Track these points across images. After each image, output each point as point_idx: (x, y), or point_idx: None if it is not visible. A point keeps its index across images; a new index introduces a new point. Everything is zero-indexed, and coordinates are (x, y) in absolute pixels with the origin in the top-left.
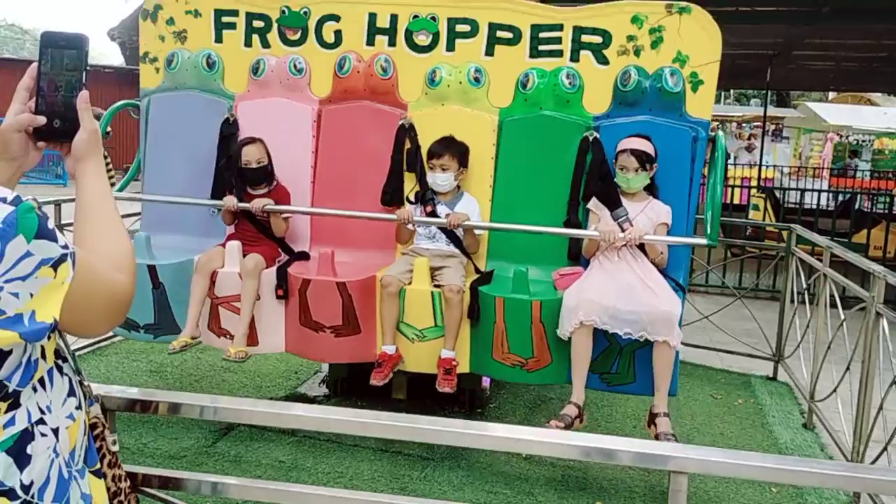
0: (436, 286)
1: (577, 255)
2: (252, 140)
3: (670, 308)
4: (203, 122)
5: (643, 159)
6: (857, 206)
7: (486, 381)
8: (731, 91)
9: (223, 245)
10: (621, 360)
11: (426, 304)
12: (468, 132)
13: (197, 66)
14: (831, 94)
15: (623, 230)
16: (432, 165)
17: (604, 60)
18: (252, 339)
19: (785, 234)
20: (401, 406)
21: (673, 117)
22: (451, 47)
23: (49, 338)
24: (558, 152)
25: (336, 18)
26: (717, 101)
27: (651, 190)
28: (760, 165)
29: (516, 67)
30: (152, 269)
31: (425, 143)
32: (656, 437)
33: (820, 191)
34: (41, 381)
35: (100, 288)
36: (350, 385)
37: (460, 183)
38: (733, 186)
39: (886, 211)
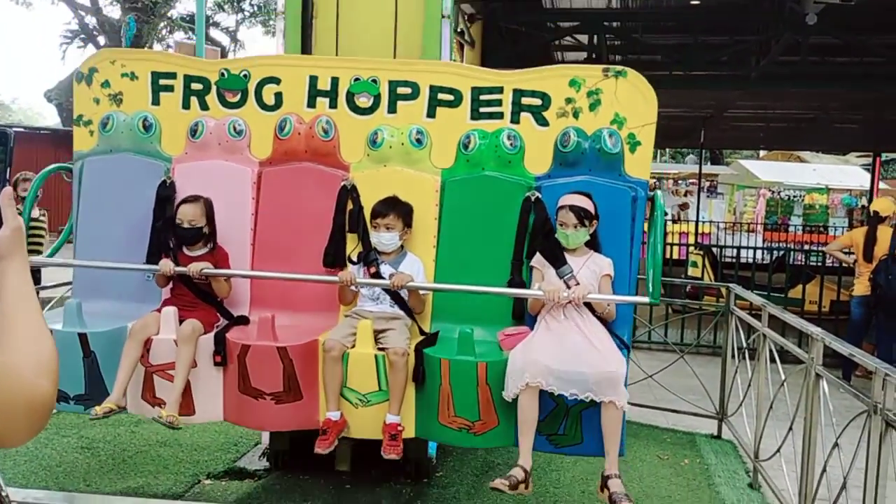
0: (380, 349)
1: (522, 315)
2: (195, 198)
3: (615, 368)
4: (139, 185)
5: (582, 215)
6: (791, 261)
7: (432, 451)
8: (668, 149)
9: (158, 311)
10: (568, 421)
11: (370, 367)
12: (411, 193)
13: (133, 128)
14: (763, 152)
15: (568, 286)
16: (376, 225)
17: (544, 122)
18: (188, 408)
19: (724, 290)
20: (345, 478)
21: (612, 177)
22: (392, 109)
23: None
24: (501, 212)
25: (276, 81)
26: (654, 158)
27: (593, 245)
28: (698, 221)
29: (458, 129)
30: (83, 338)
31: (368, 204)
32: (610, 500)
33: (755, 248)
34: None
35: (20, 396)
36: (292, 458)
37: (404, 243)
38: (671, 244)
39: (820, 264)
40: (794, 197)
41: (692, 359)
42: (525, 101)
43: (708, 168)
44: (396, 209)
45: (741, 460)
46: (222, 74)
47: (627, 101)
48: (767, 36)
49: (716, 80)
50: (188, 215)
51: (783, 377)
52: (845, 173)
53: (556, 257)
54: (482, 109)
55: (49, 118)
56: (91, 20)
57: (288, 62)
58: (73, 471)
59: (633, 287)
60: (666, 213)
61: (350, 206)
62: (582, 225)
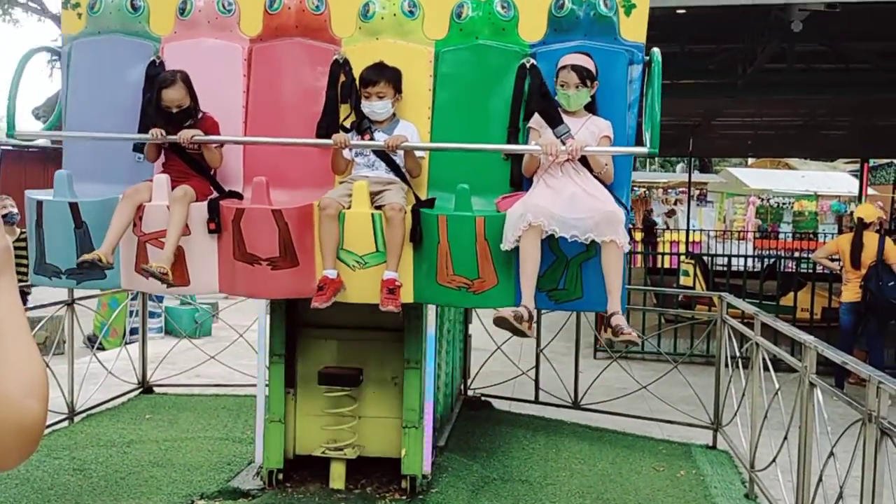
0: (376, 208)
1: (520, 182)
2: (172, 81)
3: (614, 209)
4: (128, 66)
5: (584, 75)
6: (781, 268)
7: (427, 466)
8: (656, 158)
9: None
10: (568, 275)
11: (367, 227)
12: (404, 65)
13: (121, 8)
14: (751, 159)
15: (565, 145)
16: (368, 94)
17: None
18: (183, 278)
19: (716, 300)
20: (339, 496)
21: (608, 41)
22: None
23: None
24: (496, 81)
25: None
26: (643, 167)
27: (591, 108)
28: (688, 230)
29: None
30: (74, 207)
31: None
32: (614, 334)
33: (746, 256)
34: None
35: (10, 419)
36: (286, 476)
37: (396, 111)
38: (662, 253)
39: (811, 271)
40: (784, 204)
41: (686, 368)
42: None
43: (697, 176)
44: (385, 75)
45: (737, 471)
46: None
47: None
48: (753, 44)
49: (703, 89)
50: (174, 99)
51: (777, 386)
52: (834, 179)
53: (553, 118)
54: None
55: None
56: None
57: None
58: (66, 493)
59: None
60: (655, 224)
61: (343, 79)
62: (584, 85)
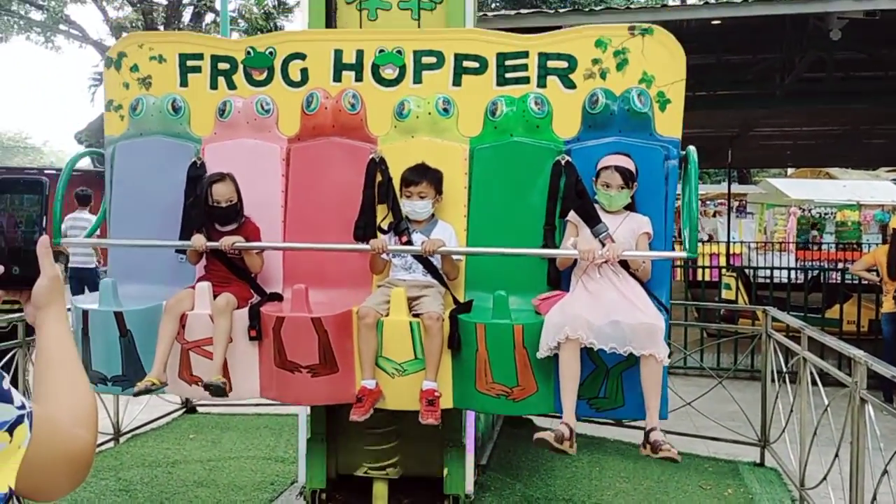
0: (414, 316)
1: (558, 281)
2: (221, 177)
3: (653, 321)
4: (169, 167)
5: (627, 177)
6: (826, 280)
7: (469, 486)
8: None
9: (193, 287)
10: (609, 383)
11: (405, 335)
12: (439, 162)
13: (162, 110)
14: (791, 169)
15: (603, 245)
16: (409, 193)
17: (571, 85)
18: (226, 386)
19: (760, 314)
20: None
21: (643, 137)
22: (418, 80)
23: None
24: (531, 178)
25: (302, 57)
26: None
27: (629, 205)
28: (729, 242)
29: (484, 96)
30: (119, 316)
31: (396, 176)
32: (653, 451)
33: (789, 268)
34: None
35: (60, 448)
36: (328, 496)
37: (435, 211)
38: (703, 266)
39: (856, 283)
40: (826, 214)
41: (730, 384)
42: (551, 64)
43: (736, 188)
44: (428, 176)
45: (786, 488)
46: (248, 53)
47: (655, 59)
48: (791, 53)
49: (741, 100)
50: (224, 194)
51: (826, 402)
52: (876, 188)
53: (591, 216)
54: (508, 75)
55: (80, 161)
56: None
57: (312, 37)
58: None
59: (669, 246)
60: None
61: (379, 178)
62: (626, 186)
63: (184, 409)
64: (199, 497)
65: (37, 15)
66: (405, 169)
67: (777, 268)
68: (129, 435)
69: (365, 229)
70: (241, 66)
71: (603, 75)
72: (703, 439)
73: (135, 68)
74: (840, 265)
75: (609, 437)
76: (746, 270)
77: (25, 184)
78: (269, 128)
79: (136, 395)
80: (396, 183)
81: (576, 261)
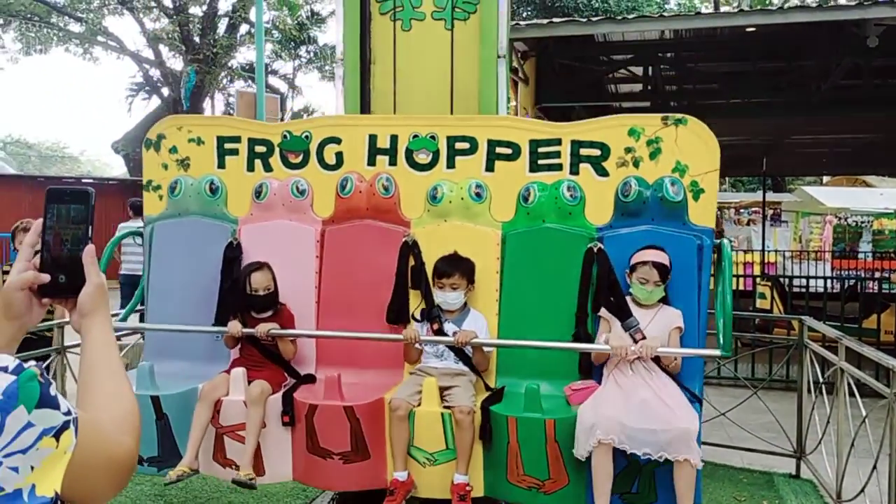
0: (446, 407)
1: (589, 369)
2: (259, 266)
3: (688, 425)
4: (206, 247)
5: (663, 272)
6: (863, 290)
7: None
8: (727, 178)
9: (227, 372)
10: (642, 480)
11: (437, 426)
12: (471, 247)
13: (200, 192)
14: (826, 177)
15: (635, 340)
16: (442, 284)
17: (603, 172)
18: (259, 468)
19: (796, 324)
20: None
21: (676, 226)
22: (451, 165)
23: None
24: (563, 265)
25: (337, 141)
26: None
27: (662, 298)
28: (763, 251)
29: (517, 182)
30: (156, 401)
31: (429, 260)
32: None
33: (826, 277)
34: None
35: (104, 454)
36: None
37: (467, 299)
38: (737, 276)
39: (894, 292)
40: (862, 223)
41: (765, 394)
42: (584, 151)
43: (770, 196)
44: (461, 268)
45: (822, 500)
46: (285, 136)
47: (689, 149)
48: (827, 60)
49: (775, 107)
50: (262, 283)
51: (864, 413)
52: None
53: (622, 310)
54: (540, 162)
55: (116, 168)
56: (155, 73)
57: (347, 122)
58: None
59: (702, 338)
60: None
61: (412, 262)
62: (662, 281)
63: None
64: (232, 503)
65: (76, 27)
66: (438, 259)
67: (813, 277)
68: None
69: (397, 313)
70: (277, 149)
71: (636, 164)
72: (738, 450)
73: (173, 150)
74: (877, 274)
75: None
76: (781, 279)
77: (72, 194)
78: (305, 210)
79: (167, 484)
80: (429, 267)
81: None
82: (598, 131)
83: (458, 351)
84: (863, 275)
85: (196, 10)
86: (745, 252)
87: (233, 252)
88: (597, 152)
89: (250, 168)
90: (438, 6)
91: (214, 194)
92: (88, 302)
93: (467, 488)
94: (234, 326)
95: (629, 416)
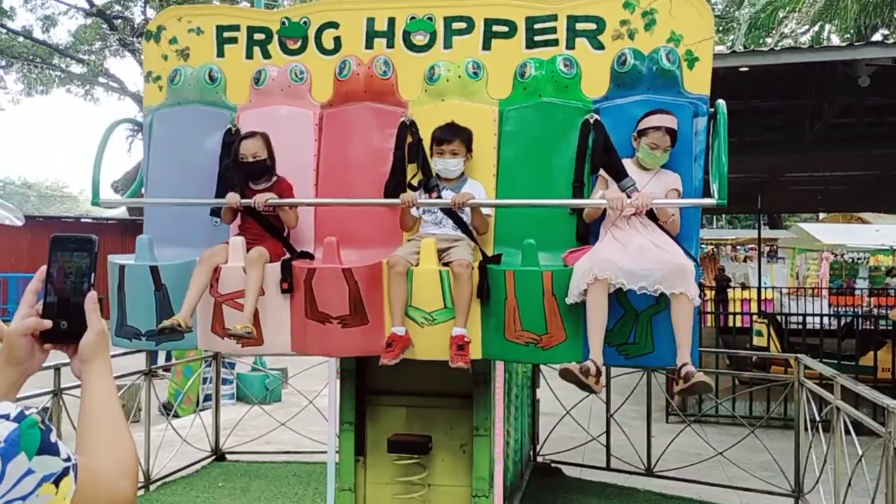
0: (444, 265)
1: (587, 237)
2: (252, 134)
3: (683, 261)
4: (205, 134)
5: (674, 138)
6: (860, 327)
7: None
8: (724, 215)
9: (227, 243)
10: (638, 329)
11: (434, 284)
12: (469, 124)
13: (199, 80)
14: (822, 214)
15: (630, 198)
16: (441, 151)
17: (599, 46)
18: (257, 339)
19: (792, 361)
20: None
21: (671, 94)
22: (448, 45)
23: None
24: (560, 137)
25: (335, 25)
26: (710, 224)
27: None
28: (760, 287)
29: (513, 59)
30: (154, 271)
31: (427, 138)
32: (685, 381)
33: (822, 315)
34: None
35: (102, 499)
36: None
37: (465, 170)
38: (734, 313)
39: (891, 328)
40: (859, 259)
41: (763, 432)
42: (579, 26)
43: (767, 232)
44: (460, 134)
45: None
46: (283, 23)
47: (683, 18)
48: (820, 99)
49: (770, 146)
50: (251, 149)
51: (860, 451)
52: None
53: (618, 171)
54: (537, 38)
55: (116, 208)
56: None
57: (346, 6)
58: None
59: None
60: (729, 280)
61: (409, 140)
62: (671, 146)
63: (213, 457)
64: None
65: (77, 68)
66: (436, 128)
67: (810, 314)
68: (159, 483)
69: (396, 188)
70: (275, 36)
71: (631, 36)
72: (736, 490)
73: (173, 41)
74: (874, 311)
75: (639, 487)
76: (778, 317)
77: (76, 241)
78: (303, 95)
79: (160, 331)
80: (426, 144)
81: (604, 214)
82: (593, 5)
83: (455, 217)
84: (860, 311)
85: None
86: (743, 289)
87: (231, 137)
88: (592, 26)
89: (249, 56)
90: None
91: (213, 82)
92: (90, 348)
93: (465, 339)
94: (232, 197)
95: (625, 259)
